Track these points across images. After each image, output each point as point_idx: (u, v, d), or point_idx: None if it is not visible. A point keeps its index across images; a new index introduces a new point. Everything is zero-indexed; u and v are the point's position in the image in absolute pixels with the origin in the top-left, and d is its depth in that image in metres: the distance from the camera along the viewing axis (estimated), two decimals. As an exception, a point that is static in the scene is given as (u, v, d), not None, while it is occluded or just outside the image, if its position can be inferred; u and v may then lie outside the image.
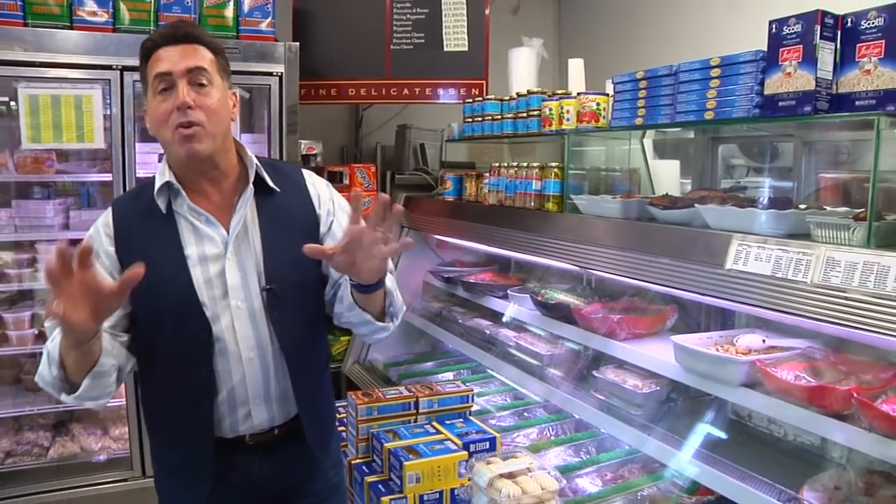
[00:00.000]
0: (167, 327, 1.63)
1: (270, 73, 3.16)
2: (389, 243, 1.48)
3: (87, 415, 3.44)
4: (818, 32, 1.69)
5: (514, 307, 3.04)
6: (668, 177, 2.83)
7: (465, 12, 3.51)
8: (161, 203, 1.65)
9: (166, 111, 1.57)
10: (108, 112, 2.93)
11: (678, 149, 3.15)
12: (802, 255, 1.70)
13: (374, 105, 4.12)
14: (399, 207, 1.48)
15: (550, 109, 2.69)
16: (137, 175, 3.01)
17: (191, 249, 1.65)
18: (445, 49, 3.57)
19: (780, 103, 1.80)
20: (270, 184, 1.73)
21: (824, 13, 1.70)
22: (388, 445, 2.32)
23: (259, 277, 1.68)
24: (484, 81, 3.56)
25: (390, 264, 1.72)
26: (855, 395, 1.72)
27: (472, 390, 2.62)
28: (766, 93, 1.84)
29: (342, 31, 3.57)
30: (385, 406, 2.48)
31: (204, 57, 1.61)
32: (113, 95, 2.93)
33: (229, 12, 3.14)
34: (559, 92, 2.81)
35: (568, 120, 2.61)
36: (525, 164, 2.79)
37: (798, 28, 1.74)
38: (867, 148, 2.61)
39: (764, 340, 2.16)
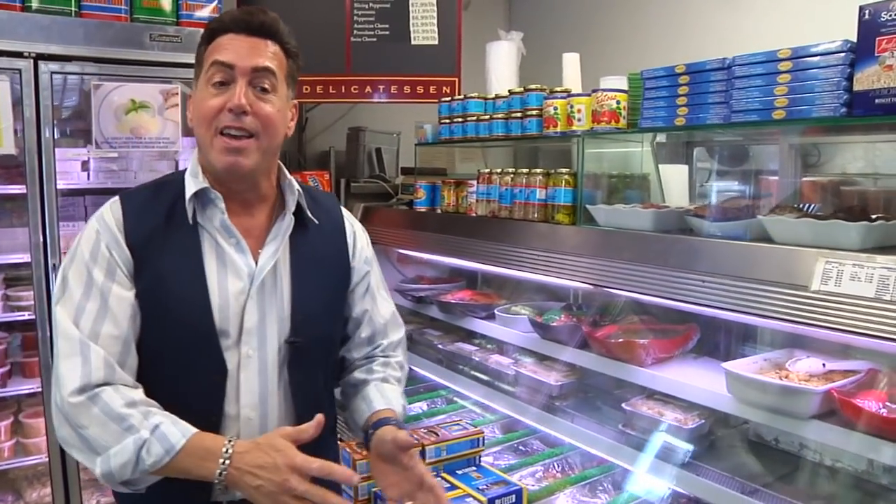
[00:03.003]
0: (176, 362, 1.36)
1: (218, 67, 2.69)
2: None
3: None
4: (930, 18, 1.48)
5: (505, 330, 2.73)
6: (677, 183, 2.59)
7: (434, 2, 3.16)
8: (189, 210, 1.38)
9: (215, 108, 1.33)
10: (21, 111, 2.38)
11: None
12: (918, 275, 1.48)
13: (319, 105, 3.70)
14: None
15: (556, 108, 2.39)
16: (59, 187, 2.47)
17: (212, 275, 1.38)
18: (413, 42, 3.20)
19: (878, 101, 1.57)
20: (310, 216, 1.46)
21: (934, -4, 1.48)
22: (399, 508, 1.95)
23: (281, 326, 1.39)
24: (456, 79, 3.21)
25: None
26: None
27: (482, 433, 2.28)
28: (856, 88, 1.61)
29: (294, 20, 3.09)
30: (387, 458, 2.10)
31: (275, 58, 1.38)
32: (26, 90, 2.38)
33: (167, -6, 2.64)
34: (558, 89, 2.52)
35: (579, 120, 2.31)
36: (526, 171, 2.47)
37: (902, 13, 1.52)
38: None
39: (824, 364, 1.95)
